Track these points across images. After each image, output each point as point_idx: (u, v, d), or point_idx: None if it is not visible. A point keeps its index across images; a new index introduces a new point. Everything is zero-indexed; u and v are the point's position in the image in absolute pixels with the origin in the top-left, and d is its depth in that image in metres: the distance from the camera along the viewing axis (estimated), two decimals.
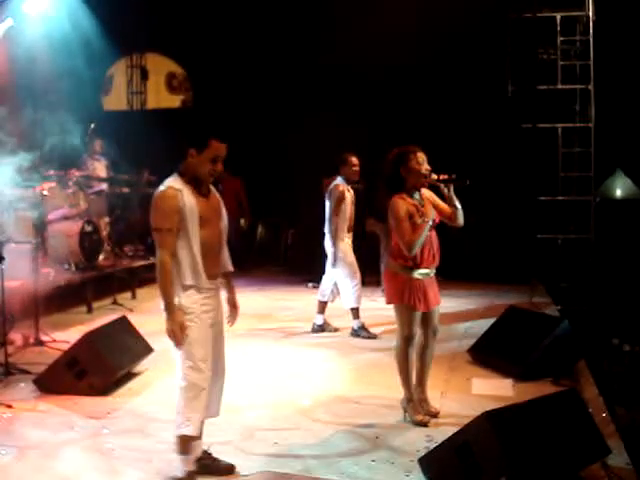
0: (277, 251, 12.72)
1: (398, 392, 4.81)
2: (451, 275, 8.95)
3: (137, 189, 10.73)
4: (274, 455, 4.21)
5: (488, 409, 3.64)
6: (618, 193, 11.83)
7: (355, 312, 7.23)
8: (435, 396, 5.06)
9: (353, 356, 6.50)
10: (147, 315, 7.50)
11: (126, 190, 10.71)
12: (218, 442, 4.15)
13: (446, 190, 4.65)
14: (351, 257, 7.27)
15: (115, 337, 5.68)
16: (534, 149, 10.10)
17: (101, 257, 9.09)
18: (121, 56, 13.18)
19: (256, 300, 9.12)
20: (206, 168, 3.69)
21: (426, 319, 4.71)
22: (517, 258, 10.02)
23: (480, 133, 10.80)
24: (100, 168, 10.10)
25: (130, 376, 5.69)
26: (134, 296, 9.37)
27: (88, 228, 8.64)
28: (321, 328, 7.42)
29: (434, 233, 4.67)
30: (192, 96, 13.97)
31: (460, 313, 8.26)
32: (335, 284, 7.33)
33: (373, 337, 7.12)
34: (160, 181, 3.74)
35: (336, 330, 7.44)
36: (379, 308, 6.91)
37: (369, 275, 9.19)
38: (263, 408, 5.03)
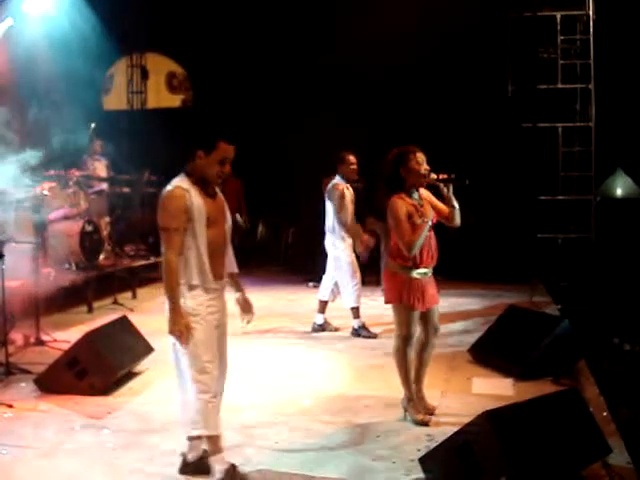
0: (277, 250, 12.71)
1: (398, 391, 4.81)
2: (451, 275, 9.00)
3: (137, 189, 10.73)
4: (274, 454, 4.20)
5: (488, 408, 3.64)
6: (618, 192, 11.85)
7: (355, 311, 7.23)
8: (435, 395, 5.06)
9: (353, 355, 6.50)
10: (148, 315, 7.51)
11: (126, 190, 10.70)
12: None
13: (445, 190, 4.65)
14: (351, 256, 7.28)
15: (116, 337, 5.68)
16: (534, 148, 10.11)
17: (101, 257, 9.09)
18: (121, 56, 13.18)
19: (256, 299, 9.05)
20: (214, 170, 3.70)
21: (426, 318, 4.71)
22: (517, 257, 10.02)
23: (480, 133, 10.80)
24: (100, 168, 10.10)
25: (131, 376, 5.69)
26: (134, 296, 9.37)
27: (89, 228, 8.64)
28: (321, 327, 7.42)
29: (432, 233, 4.67)
30: (192, 96, 13.97)
31: (460, 313, 8.26)
32: (335, 283, 7.34)
33: (373, 336, 7.12)
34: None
35: (336, 330, 7.44)
36: (379, 307, 6.90)
37: (369, 274, 9.19)
38: (263, 408, 5.03)
